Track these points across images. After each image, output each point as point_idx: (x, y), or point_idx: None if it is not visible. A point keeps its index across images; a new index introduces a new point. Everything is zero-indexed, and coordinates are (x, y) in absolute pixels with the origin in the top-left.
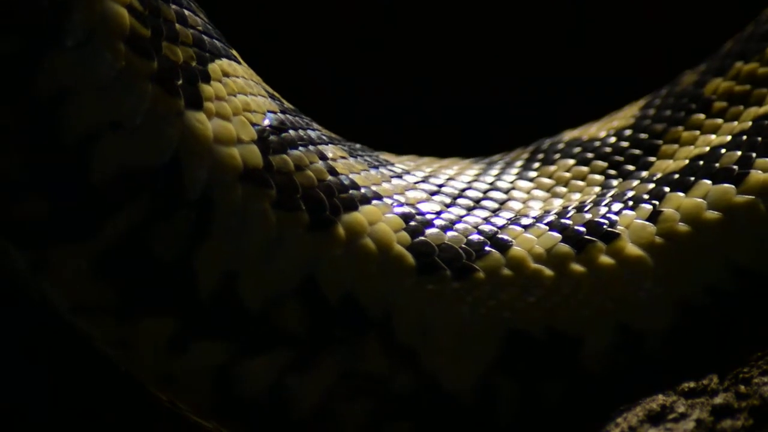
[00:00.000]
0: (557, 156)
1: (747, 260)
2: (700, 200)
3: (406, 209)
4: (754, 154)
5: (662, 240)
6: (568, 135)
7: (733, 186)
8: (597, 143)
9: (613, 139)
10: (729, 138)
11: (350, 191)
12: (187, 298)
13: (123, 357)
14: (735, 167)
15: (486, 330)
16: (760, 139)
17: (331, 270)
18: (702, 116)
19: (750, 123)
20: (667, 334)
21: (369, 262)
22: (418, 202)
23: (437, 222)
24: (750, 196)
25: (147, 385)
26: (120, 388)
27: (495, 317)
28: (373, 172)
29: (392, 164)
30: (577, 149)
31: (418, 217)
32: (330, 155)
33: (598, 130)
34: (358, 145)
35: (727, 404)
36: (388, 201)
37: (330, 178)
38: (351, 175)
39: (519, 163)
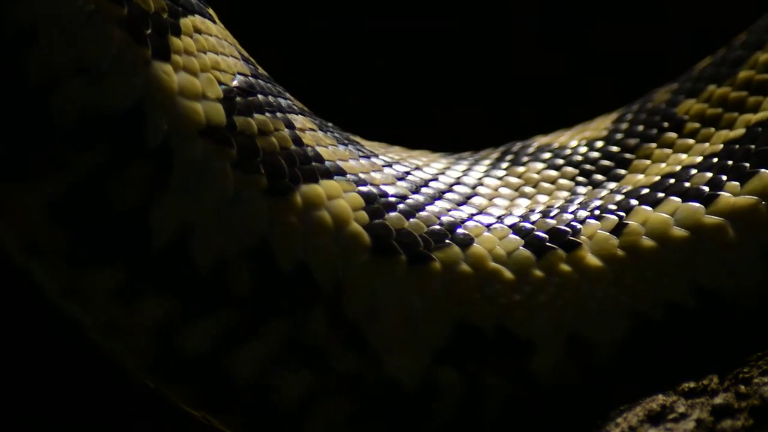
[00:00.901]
0: (527, 159)
1: (710, 281)
2: (668, 216)
3: (370, 189)
4: (724, 177)
5: (624, 253)
6: (539, 141)
7: (702, 206)
8: (568, 151)
9: (584, 149)
10: (700, 159)
11: (313, 163)
12: (139, 250)
13: (72, 306)
14: (705, 188)
15: (435, 319)
16: (731, 162)
17: (284, 237)
18: (674, 135)
19: (721, 146)
20: (620, 346)
21: (323, 234)
22: (383, 185)
23: (400, 207)
24: (719, 218)
25: (92, 337)
26: (122, 389)
27: (446, 308)
28: (341, 148)
29: (361, 145)
30: (548, 155)
31: (380, 199)
32: (298, 125)
33: (570, 138)
34: (330, 123)
35: (727, 404)
36: (352, 178)
37: (294, 147)
38: (317, 148)
39: (487, 161)
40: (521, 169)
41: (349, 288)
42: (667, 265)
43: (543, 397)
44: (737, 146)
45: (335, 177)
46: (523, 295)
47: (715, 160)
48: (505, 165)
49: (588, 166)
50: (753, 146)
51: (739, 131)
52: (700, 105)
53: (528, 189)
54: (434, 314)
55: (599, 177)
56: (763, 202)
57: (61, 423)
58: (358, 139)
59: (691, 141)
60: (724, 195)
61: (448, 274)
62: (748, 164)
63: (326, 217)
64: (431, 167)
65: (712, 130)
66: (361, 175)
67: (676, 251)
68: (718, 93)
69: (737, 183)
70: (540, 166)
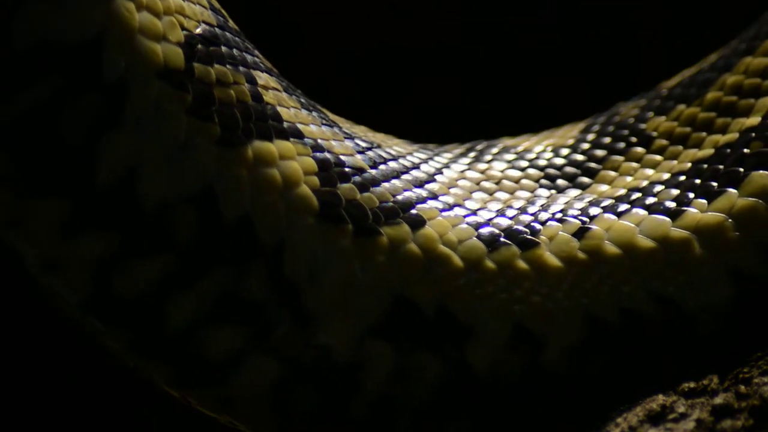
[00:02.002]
0: (490, 157)
1: (673, 293)
2: (633, 226)
3: (326, 156)
4: (692, 195)
5: (586, 256)
6: (505, 142)
7: (669, 219)
8: (532, 155)
9: (549, 155)
10: (668, 176)
11: (270, 121)
12: (85, 184)
13: (15, 237)
14: (672, 203)
15: (375, 290)
16: (698, 181)
17: (232, 188)
18: (642, 150)
19: (689, 165)
20: (574, 348)
21: (271, 191)
22: (341, 155)
23: (354, 179)
24: (685, 232)
25: (31, 271)
26: (133, 388)
27: (388, 282)
28: (303, 112)
29: (327, 115)
30: (512, 156)
31: (335, 168)
32: (260, 82)
33: (536, 143)
34: (299, 90)
35: (727, 404)
36: (309, 143)
37: (252, 102)
38: (278, 108)
39: (449, 155)
40: (483, 165)
41: (291, 249)
42: (631, 272)
43: (479, 384)
44: (705, 166)
45: (291, 139)
46: (470, 283)
47: (683, 178)
48: (467, 160)
49: (553, 171)
50: (721, 167)
51: (708, 151)
52: (669, 123)
53: (488, 185)
54: (375, 287)
55: (563, 182)
56: (730, 220)
57: (60, 421)
58: (326, 111)
59: (658, 157)
60: (691, 211)
61: (395, 250)
62: (716, 184)
63: (276, 176)
64: (393, 149)
65: (680, 148)
66: (320, 142)
67: (641, 260)
68: (687, 113)
69: (704, 201)
70: (503, 165)
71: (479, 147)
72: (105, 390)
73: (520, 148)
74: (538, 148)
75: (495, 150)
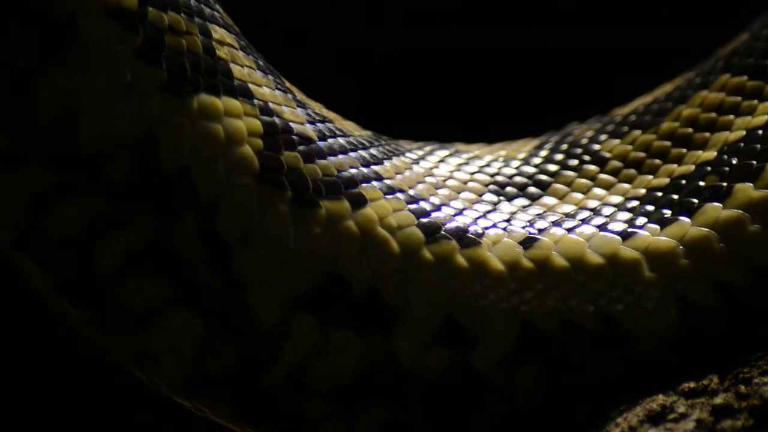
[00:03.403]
0: (438, 158)
1: (618, 311)
2: (583, 240)
3: (273, 120)
4: (644, 219)
5: (532, 265)
6: (458, 146)
7: (619, 238)
8: (483, 162)
9: (500, 164)
10: (621, 199)
11: (219, 76)
12: (25, 117)
13: None
14: (624, 225)
15: (307, 262)
16: (652, 208)
17: (173, 137)
18: (596, 169)
19: (643, 191)
20: (505, 353)
21: (212, 145)
22: (290, 122)
23: (300, 147)
24: (635, 252)
25: None
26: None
27: (322, 255)
28: (258, 73)
29: (283, 82)
30: (462, 160)
31: (282, 134)
32: (215, 36)
33: (488, 152)
34: (260, 55)
35: (727, 404)
36: (258, 104)
37: (203, 54)
38: (230, 65)
39: (401, 148)
40: (430, 164)
41: (226, 206)
42: (577, 287)
43: (402, 372)
44: (660, 194)
45: (240, 97)
46: (404, 269)
47: (636, 203)
48: (414, 156)
49: (502, 179)
50: (676, 196)
51: (663, 180)
52: (623, 146)
53: (435, 180)
54: (307, 259)
55: (513, 191)
56: (681, 247)
57: (60, 416)
58: (284, 79)
59: (612, 178)
60: (642, 233)
61: (332, 225)
62: (669, 212)
63: (219, 131)
64: (346, 127)
65: (634, 172)
66: (270, 105)
67: (588, 275)
68: (642, 139)
69: (657, 226)
70: (452, 167)
71: (430, 147)
72: (101, 392)
73: (471, 154)
74: (489, 157)
75: (446, 152)
